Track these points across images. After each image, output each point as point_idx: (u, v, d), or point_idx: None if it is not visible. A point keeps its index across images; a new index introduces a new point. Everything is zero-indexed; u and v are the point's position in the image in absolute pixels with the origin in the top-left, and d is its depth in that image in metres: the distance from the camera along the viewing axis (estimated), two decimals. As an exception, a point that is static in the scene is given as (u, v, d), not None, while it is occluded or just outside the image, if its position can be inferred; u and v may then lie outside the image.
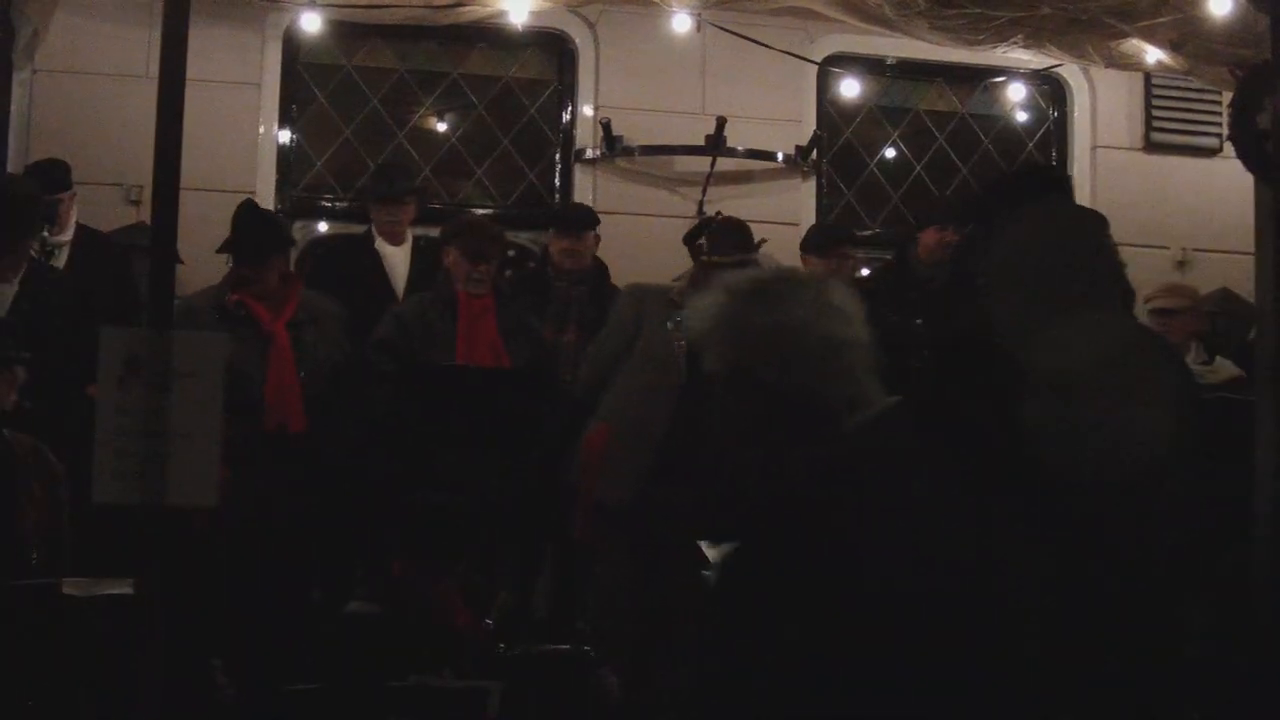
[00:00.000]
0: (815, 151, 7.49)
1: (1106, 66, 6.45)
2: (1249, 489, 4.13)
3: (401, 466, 4.88)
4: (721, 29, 6.83)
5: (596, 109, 7.35)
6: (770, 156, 7.37)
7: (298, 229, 7.10)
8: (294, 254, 6.52)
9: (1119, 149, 7.83)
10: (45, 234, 5.59)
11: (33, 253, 5.46)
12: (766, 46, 6.98)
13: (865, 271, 7.06)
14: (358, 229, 6.65)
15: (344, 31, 7.12)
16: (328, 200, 7.31)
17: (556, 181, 7.49)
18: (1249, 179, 4.45)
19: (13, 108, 6.63)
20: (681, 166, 7.28)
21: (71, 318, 4.97)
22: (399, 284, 6.03)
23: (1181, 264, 7.71)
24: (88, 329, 2.71)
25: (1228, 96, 5.00)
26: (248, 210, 5.40)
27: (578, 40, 7.42)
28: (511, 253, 6.46)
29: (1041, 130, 7.98)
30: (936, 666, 1.90)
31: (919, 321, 5.70)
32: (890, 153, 7.82)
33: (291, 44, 7.15)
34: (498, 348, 5.31)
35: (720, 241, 5.48)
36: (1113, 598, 2.31)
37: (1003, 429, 2.30)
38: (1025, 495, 2.30)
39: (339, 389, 5.10)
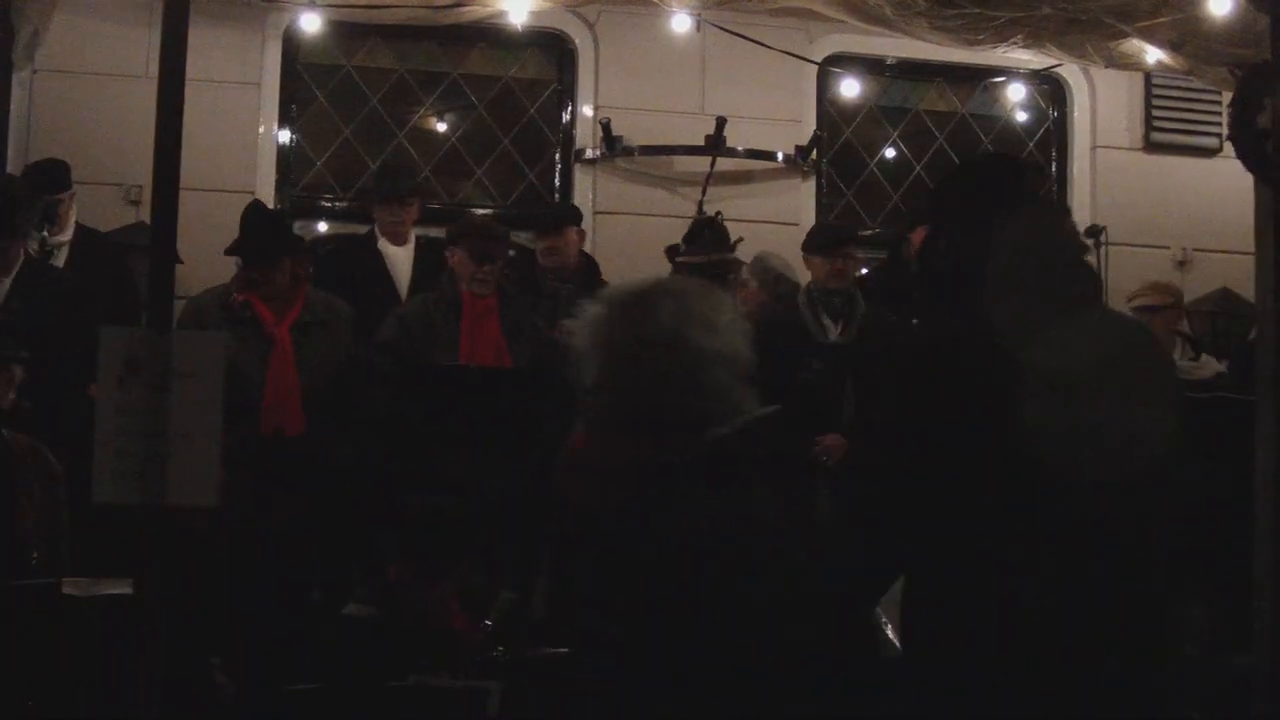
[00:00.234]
0: (815, 151, 7.49)
1: (1106, 66, 6.45)
2: (1249, 489, 4.13)
3: (401, 467, 4.88)
4: (721, 29, 6.83)
5: (596, 109, 7.35)
6: (770, 156, 7.37)
7: (298, 229, 7.09)
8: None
9: (1119, 149, 7.83)
10: (45, 234, 5.59)
11: (31, 251, 5.47)
12: (766, 46, 6.98)
13: (864, 271, 7.06)
14: (358, 229, 6.65)
15: (344, 31, 7.12)
16: (327, 200, 7.31)
17: (556, 181, 7.49)
18: (1249, 179, 4.45)
19: (13, 108, 6.64)
20: (681, 166, 7.28)
21: (68, 316, 4.97)
22: (402, 284, 6.03)
23: (1181, 264, 7.72)
24: (87, 328, 2.71)
25: (1228, 96, 4.99)
26: (255, 211, 5.40)
27: (577, 40, 7.42)
28: (512, 253, 6.47)
29: (1041, 130, 7.98)
30: (778, 665, 1.92)
31: (915, 322, 5.70)
32: (890, 152, 7.82)
33: (291, 44, 7.16)
34: (501, 348, 5.31)
35: (693, 242, 5.51)
36: (1113, 597, 2.31)
37: (1002, 429, 2.31)
38: (1025, 495, 2.30)
39: (340, 390, 5.10)
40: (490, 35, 7.23)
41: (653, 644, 1.90)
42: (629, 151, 7.26)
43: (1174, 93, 7.67)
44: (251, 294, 5.06)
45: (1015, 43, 6.00)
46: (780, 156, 7.39)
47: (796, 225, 7.13)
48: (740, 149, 7.22)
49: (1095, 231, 6.41)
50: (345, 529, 4.81)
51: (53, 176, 5.78)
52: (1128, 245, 7.29)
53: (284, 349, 5.01)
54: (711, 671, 1.89)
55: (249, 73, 7.03)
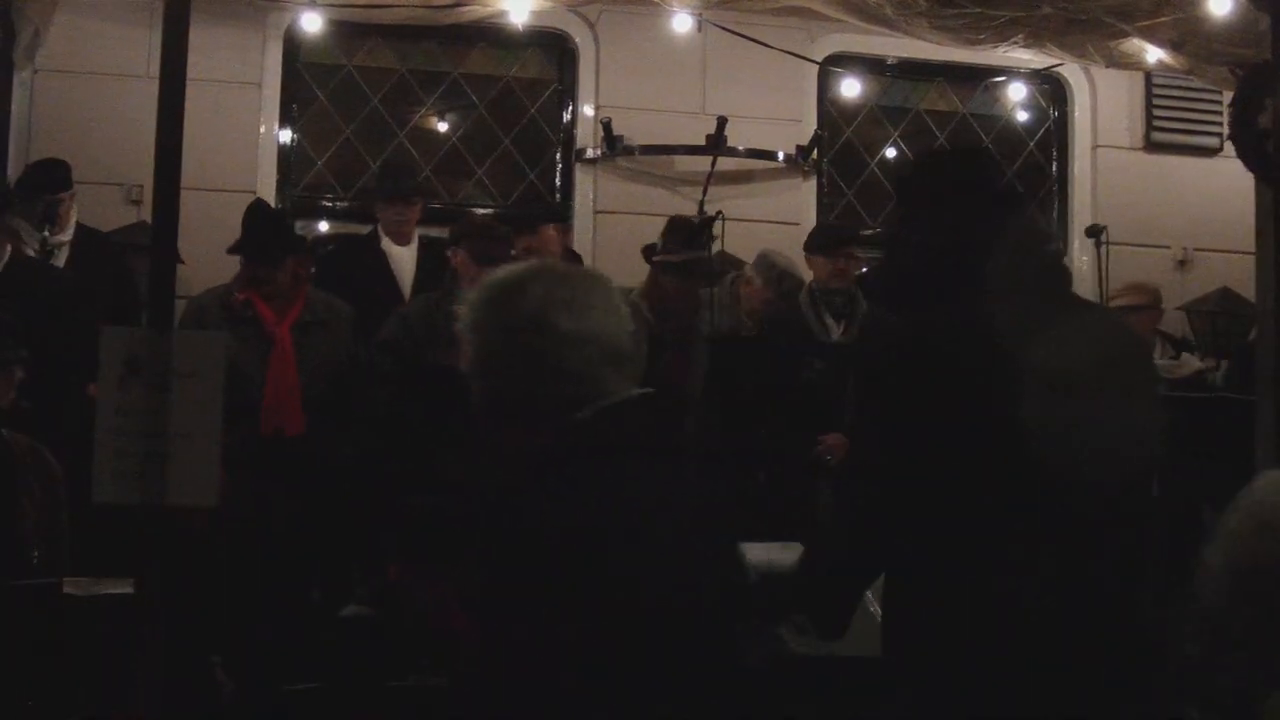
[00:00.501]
0: (816, 151, 7.50)
1: (1107, 66, 6.45)
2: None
3: (402, 467, 4.88)
4: (722, 29, 6.84)
5: (597, 109, 7.35)
6: (771, 156, 7.37)
7: (299, 229, 7.10)
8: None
9: (1119, 148, 7.83)
10: (46, 234, 5.59)
11: (32, 251, 5.47)
12: (767, 46, 6.99)
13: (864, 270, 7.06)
14: (359, 229, 6.65)
15: (344, 31, 7.12)
16: (328, 200, 7.31)
17: (557, 181, 7.50)
18: (1249, 178, 4.45)
19: (13, 108, 6.64)
20: (682, 166, 7.29)
21: (64, 315, 4.96)
22: (405, 284, 6.02)
23: (1182, 263, 7.72)
24: (84, 328, 2.71)
25: (1228, 96, 5.00)
26: (258, 210, 5.39)
27: (578, 40, 7.42)
28: (514, 253, 6.47)
29: (1042, 130, 7.98)
30: (649, 652, 1.90)
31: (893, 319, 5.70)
32: (891, 152, 7.82)
33: (292, 44, 7.16)
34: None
35: (668, 240, 5.51)
36: (1112, 597, 2.31)
37: (995, 427, 2.31)
38: (1025, 495, 2.30)
39: (341, 390, 5.10)
40: (491, 35, 7.23)
41: (518, 637, 1.89)
42: (630, 151, 7.26)
43: (1174, 92, 7.67)
44: (253, 293, 5.06)
45: (1016, 42, 6.00)
46: (781, 156, 7.40)
47: (797, 225, 7.14)
48: (741, 149, 7.23)
49: (1095, 231, 6.40)
50: (345, 529, 4.80)
51: (53, 176, 5.77)
52: (1128, 245, 7.28)
53: (284, 349, 5.01)
54: (583, 661, 1.87)
55: (250, 72, 7.03)
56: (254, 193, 6.59)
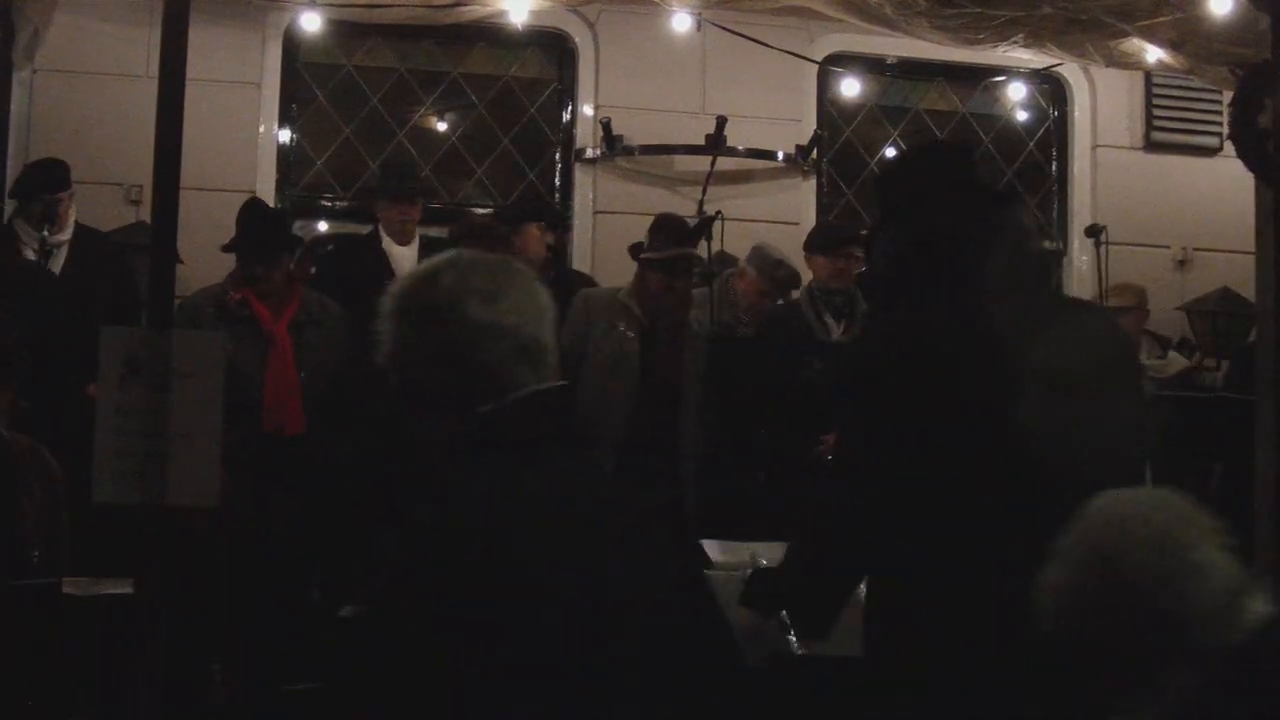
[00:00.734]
0: (815, 151, 7.50)
1: (1107, 66, 6.45)
2: (1248, 488, 4.13)
3: (402, 467, 4.87)
4: (721, 28, 6.83)
5: (596, 108, 7.35)
6: (770, 156, 7.37)
7: (298, 228, 7.10)
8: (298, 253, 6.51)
9: (1119, 148, 7.83)
10: (45, 233, 5.59)
11: (31, 251, 5.47)
12: (767, 46, 6.99)
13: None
14: (359, 229, 6.65)
15: (344, 31, 7.12)
16: (328, 200, 7.31)
17: (557, 181, 7.50)
18: (1249, 178, 4.45)
19: (13, 108, 6.64)
20: (682, 166, 7.28)
21: (62, 322, 4.96)
22: (407, 285, 6.00)
23: (1182, 263, 7.72)
24: (86, 328, 2.71)
25: (1228, 96, 4.99)
26: (254, 208, 5.39)
27: (578, 40, 7.42)
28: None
29: (1042, 129, 7.98)
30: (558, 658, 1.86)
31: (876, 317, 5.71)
32: (891, 152, 7.82)
33: (291, 43, 7.16)
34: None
35: (654, 237, 5.52)
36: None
37: (992, 427, 2.31)
38: (1020, 494, 2.30)
39: (340, 390, 5.09)
40: (490, 34, 7.23)
41: (417, 634, 1.86)
42: (629, 151, 7.26)
43: (1174, 92, 7.66)
44: (248, 292, 5.05)
45: (1015, 42, 5.99)
46: (780, 156, 7.39)
47: (797, 225, 7.14)
48: (741, 148, 7.22)
49: (1095, 231, 6.41)
50: (345, 529, 4.80)
51: (52, 176, 5.77)
52: (1128, 245, 7.28)
53: (283, 348, 5.00)
54: (484, 659, 1.83)
55: (249, 72, 7.03)
56: (254, 193, 6.58)
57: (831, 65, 7.56)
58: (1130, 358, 2.64)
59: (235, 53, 6.92)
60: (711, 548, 3.53)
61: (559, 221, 7.26)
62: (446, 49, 7.41)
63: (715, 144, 7.08)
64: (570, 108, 7.48)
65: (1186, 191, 7.71)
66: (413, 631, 1.84)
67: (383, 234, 6.13)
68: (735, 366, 5.45)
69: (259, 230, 5.16)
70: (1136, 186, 7.73)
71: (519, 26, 6.78)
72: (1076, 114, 7.89)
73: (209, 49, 6.45)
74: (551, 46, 7.51)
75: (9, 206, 6.05)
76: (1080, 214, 7.72)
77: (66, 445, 4.34)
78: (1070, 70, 7.61)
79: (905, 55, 7.56)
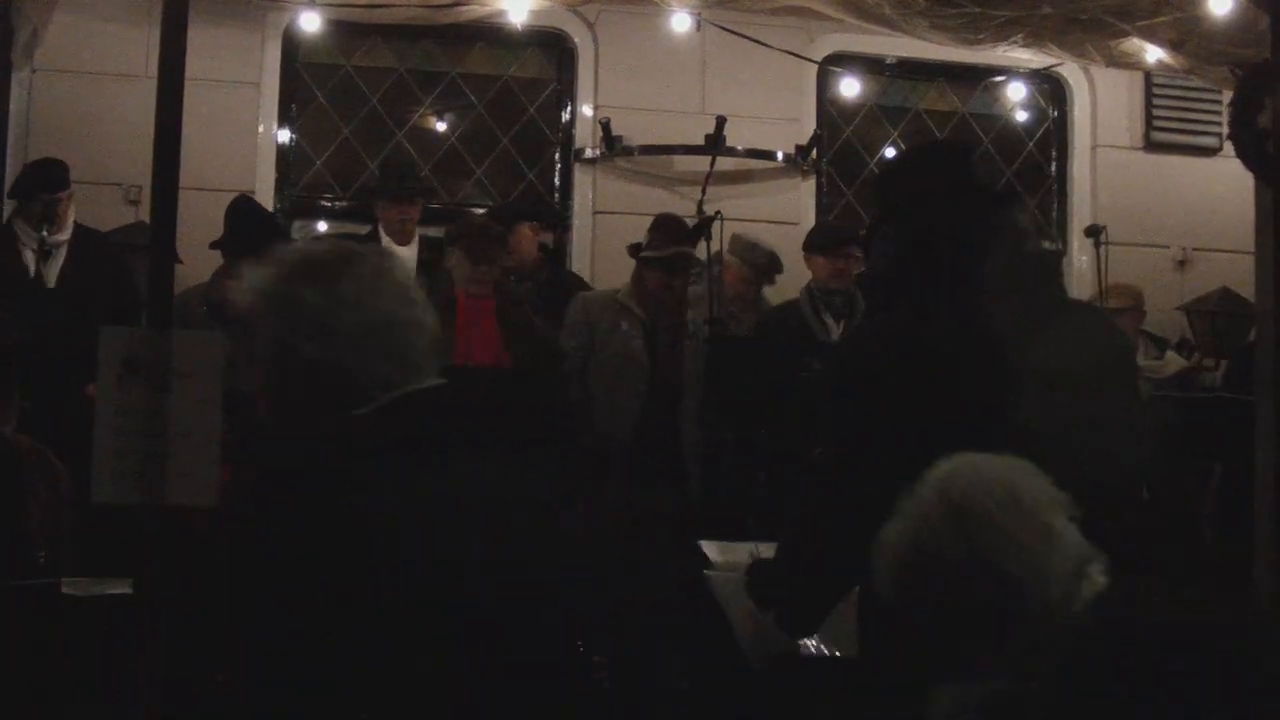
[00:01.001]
0: (815, 151, 7.49)
1: (1107, 66, 6.45)
2: (1248, 488, 4.13)
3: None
4: (721, 28, 6.83)
5: (596, 108, 7.35)
6: (770, 156, 7.37)
7: (297, 229, 7.11)
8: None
9: (1119, 148, 7.83)
10: (44, 233, 5.59)
11: (30, 251, 5.48)
12: (766, 46, 6.98)
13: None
14: (358, 229, 6.64)
15: (343, 31, 7.12)
16: (327, 200, 7.31)
17: (556, 181, 7.49)
18: (1249, 178, 4.44)
19: (12, 108, 6.63)
20: (681, 166, 7.28)
21: (59, 324, 4.96)
22: (406, 285, 6.01)
23: (1181, 263, 7.72)
24: (85, 328, 2.70)
25: (1228, 96, 4.99)
26: (244, 205, 5.38)
27: (577, 39, 7.42)
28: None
29: (1041, 129, 7.98)
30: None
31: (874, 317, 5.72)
32: (890, 152, 7.82)
33: (291, 43, 7.16)
34: (499, 349, 5.31)
35: (654, 236, 5.55)
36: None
37: (992, 426, 2.31)
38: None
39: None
40: (490, 34, 7.22)
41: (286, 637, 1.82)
42: (629, 151, 7.26)
43: (1174, 92, 7.66)
44: None
45: (1015, 42, 5.99)
46: (780, 156, 7.39)
47: (796, 225, 7.14)
48: (740, 148, 7.22)
49: (1095, 231, 6.41)
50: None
51: (51, 176, 5.77)
52: (1127, 244, 7.28)
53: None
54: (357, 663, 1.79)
55: (248, 72, 7.03)
56: (253, 193, 6.58)
57: (831, 65, 7.56)
58: (1129, 359, 2.65)
59: (234, 53, 6.92)
60: (710, 548, 3.53)
61: (555, 221, 7.27)
62: (446, 49, 7.41)
63: (715, 144, 7.08)
64: (569, 108, 7.48)
65: (1186, 191, 7.71)
66: (279, 632, 1.79)
67: (381, 234, 6.14)
68: (735, 366, 5.46)
69: (246, 228, 5.17)
70: (1136, 186, 7.73)
71: (518, 26, 6.78)
72: (1076, 114, 7.89)
73: (208, 49, 6.45)
74: (551, 46, 7.51)
75: (8, 206, 6.05)
76: (1080, 214, 7.72)
77: (66, 445, 4.34)
78: (1070, 70, 7.61)
79: (905, 55, 7.56)
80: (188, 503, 2.36)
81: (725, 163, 7.17)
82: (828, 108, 7.70)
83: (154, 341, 2.35)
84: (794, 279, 6.25)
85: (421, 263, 6.07)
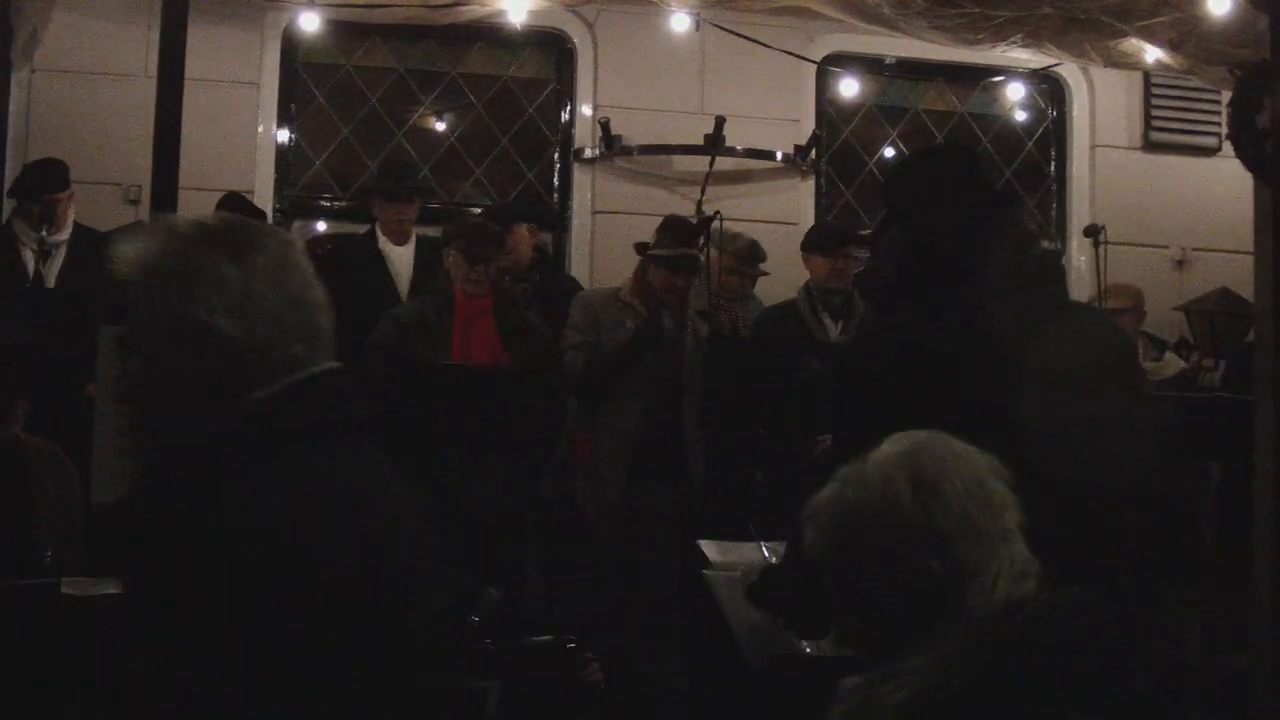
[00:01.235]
0: (814, 151, 7.49)
1: (1106, 66, 6.45)
2: (1247, 488, 4.13)
3: (394, 467, 4.86)
4: (720, 28, 6.84)
5: (595, 108, 7.35)
6: (769, 156, 7.37)
7: (297, 228, 7.11)
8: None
9: (1118, 148, 7.83)
10: (44, 233, 5.59)
11: (30, 250, 5.48)
12: (766, 46, 6.99)
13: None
14: (357, 229, 6.65)
15: (343, 31, 7.12)
16: (327, 200, 7.31)
17: (555, 181, 7.49)
18: (1249, 178, 4.44)
19: (11, 108, 6.63)
20: (680, 166, 7.28)
21: (60, 327, 4.96)
22: (403, 285, 6.00)
23: (1181, 263, 7.72)
24: (85, 329, 2.70)
25: (1227, 96, 4.99)
26: (234, 202, 5.38)
27: (576, 40, 7.42)
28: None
29: (1041, 129, 7.98)
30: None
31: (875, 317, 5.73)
32: (889, 152, 7.82)
33: (290, 43, 7.16)
34: (496, 348, 5.31)
35: (662, 236, 5.58)
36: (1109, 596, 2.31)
37: (993, 426, 2.31)
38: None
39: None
40: (489, 34, 7.22)
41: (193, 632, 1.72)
42: (628, 151, 7.26)
43: (1173, 92, 7.67)
44: None
45: (1014, 42, 6.00)
46: (779, 156, 7.39)
47: (796, 225, 7.14)
48: (739, 148, 7.22)
49: (1094, 231, 6.41)
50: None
51: (51, 176, 5.77)
52: (1127, 245, 7.28)
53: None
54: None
55: (248, 72, 7.03)
56: (251, 192, 6.58)
57: (830, 65, 7.56)
58: (1130, 359, 2.65)
59: (234, 52, 6.92)
60: (710, 548, 3.54)
61: (552, 222, 7.28)
62: (445, 49, 7.41)
63: (714, 144, 7.08)
64: (569, 108, 7.48)
65: (1185, 191, 7.71)
66: (195, 631, 1.71)
67: (379, 234, 6.13)
68: (734, 366, 5.47)
69: None
70: (1135, 186, 7.74)
71: (518, 26, 6.78)
72: (1075, 114, 7.89)
73: (207, 49, 6.44)
74: (550, 46, 7.51)
75: (8, 206, 6.05)
76: (1079, 214, 7.73)
77: (66, 445, 4.35)
78: (1069, 70, 7.61)
79: (904, 55, 7.56)
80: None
81: (724, 163, 7.18)
82: (827, 108, 7.70)
83: (154, 341, 2.35)
84: (792, 279, 6.25)
85: (418, 262, 6.06)
